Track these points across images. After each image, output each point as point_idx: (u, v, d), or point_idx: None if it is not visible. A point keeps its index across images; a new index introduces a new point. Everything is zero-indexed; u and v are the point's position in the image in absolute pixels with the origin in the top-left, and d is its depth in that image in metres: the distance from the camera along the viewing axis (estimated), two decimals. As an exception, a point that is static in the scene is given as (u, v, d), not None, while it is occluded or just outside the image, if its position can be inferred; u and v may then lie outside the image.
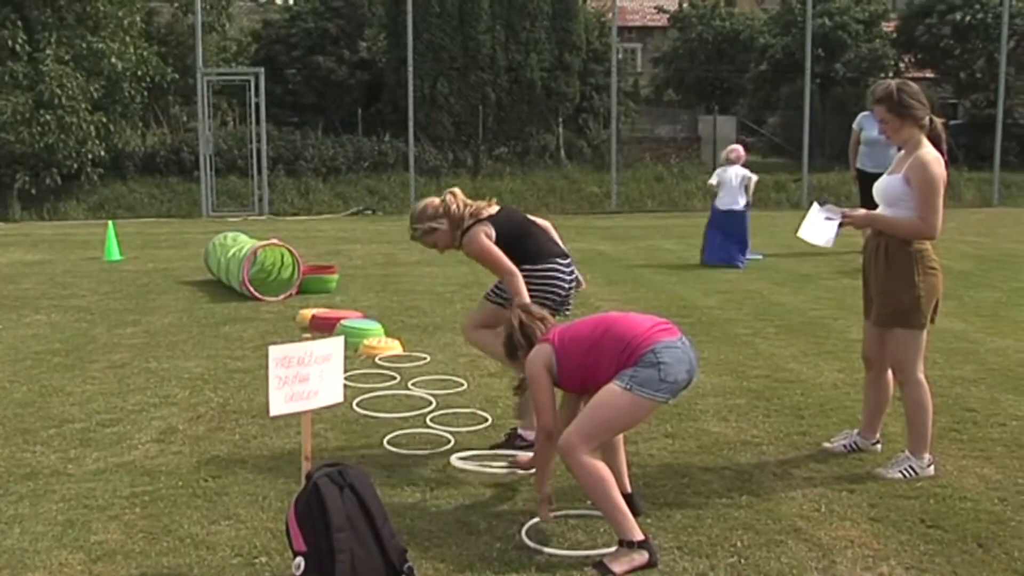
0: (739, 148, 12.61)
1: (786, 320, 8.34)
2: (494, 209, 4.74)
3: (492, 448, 4.86)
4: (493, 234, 4.62)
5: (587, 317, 3.89)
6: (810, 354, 7.02)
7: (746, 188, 12.07)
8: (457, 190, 4.79)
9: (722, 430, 5.22)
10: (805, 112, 21.86)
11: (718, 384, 6.16)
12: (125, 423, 5.44)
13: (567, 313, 4.83)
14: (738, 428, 5.27)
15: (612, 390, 3.49)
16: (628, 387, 3.46)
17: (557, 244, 4.87)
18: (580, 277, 4.95)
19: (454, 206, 4.66)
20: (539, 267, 4.68)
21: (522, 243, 4.69)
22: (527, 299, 4.42)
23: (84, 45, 19.84)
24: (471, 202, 4.72)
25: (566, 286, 4.77)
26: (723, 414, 5.51)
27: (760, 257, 12.53)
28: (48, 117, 19.29)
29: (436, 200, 4.75)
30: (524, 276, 4.57)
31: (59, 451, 4.95)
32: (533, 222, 4.90)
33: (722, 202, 12.01)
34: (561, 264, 4.76)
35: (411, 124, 21.31)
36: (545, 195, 22.00)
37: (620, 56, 24.27)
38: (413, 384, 6.25)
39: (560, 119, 23.92)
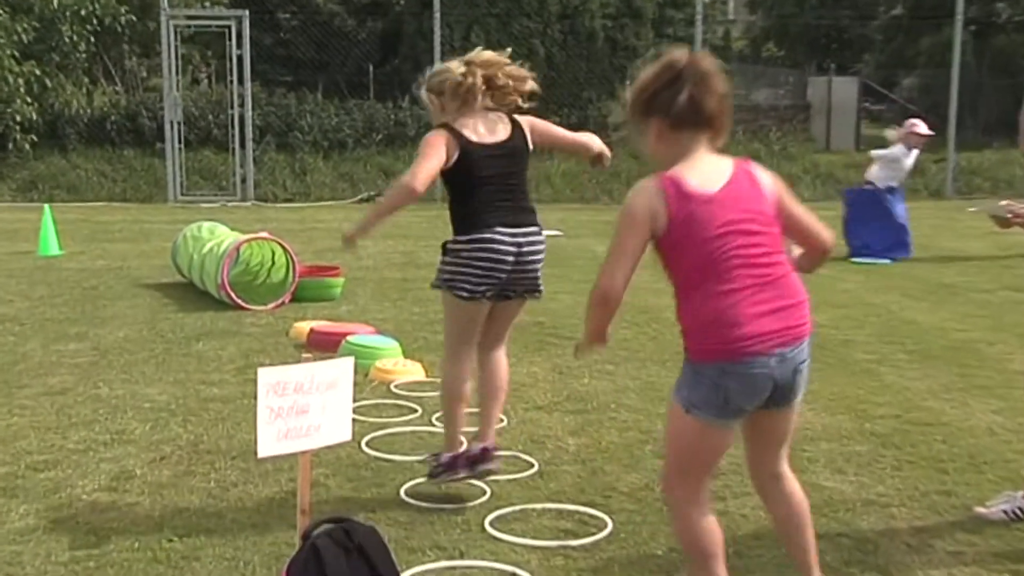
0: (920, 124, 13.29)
1: (922, 344, 8.30)
2: (486, 135, 5.03)
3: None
4: (442, 155, 4.93)
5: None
6: (955, 389, 6.97)
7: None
8: (475, 64, 5.09)
9: (837, 485, 5.20)
10: (953, 70, 21.63)
11: (832, 425, 6.14)
12: (65, 466, 5.48)
13: (534, 293, 5.16)
14: (859, 483, 5.24)
15: (674, 411, 3.52)
16: (686, 408, 3.46)
17: (509, 208, 5.03)
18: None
19: (449, 89, 5.06)
20: (473, 236, 4.96)
21: (468, 198, 5.01)
22: (364, 225, 5.11)
23: None
24: (477, 91, 5.04)
25: (509, 263, 4.97)
26: (839, 464, 5.49)
27: (887, 262, 12.45)
28: (-43, 65, 19.37)
29: (454, 71, 5.05)
30: (455, 244, 4.99)
31: (-24, 502, 5.00)
32: (498, 177, 5.04)
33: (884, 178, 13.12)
34: (502, 233, 4.96)
35: (437, 86, 21.38)
36: (607, 179, 21.96)
37: (707, -1, 24.25)
38: (438, 419, 6.25)
39: (628, 81, 23.91)
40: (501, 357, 5.30)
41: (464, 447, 5.23)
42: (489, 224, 4.95)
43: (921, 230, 15.35)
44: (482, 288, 4.96)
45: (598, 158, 5.56)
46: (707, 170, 3.40)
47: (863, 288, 10.71)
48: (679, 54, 3.48)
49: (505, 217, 4.99)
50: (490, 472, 5.12)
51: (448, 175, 5.00)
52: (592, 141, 5.55)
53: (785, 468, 3.65)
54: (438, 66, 5.22)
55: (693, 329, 3.45)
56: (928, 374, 7.38)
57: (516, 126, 5.15)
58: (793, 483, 3.66)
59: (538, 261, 5.10)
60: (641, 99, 3.51)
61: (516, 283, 5.07)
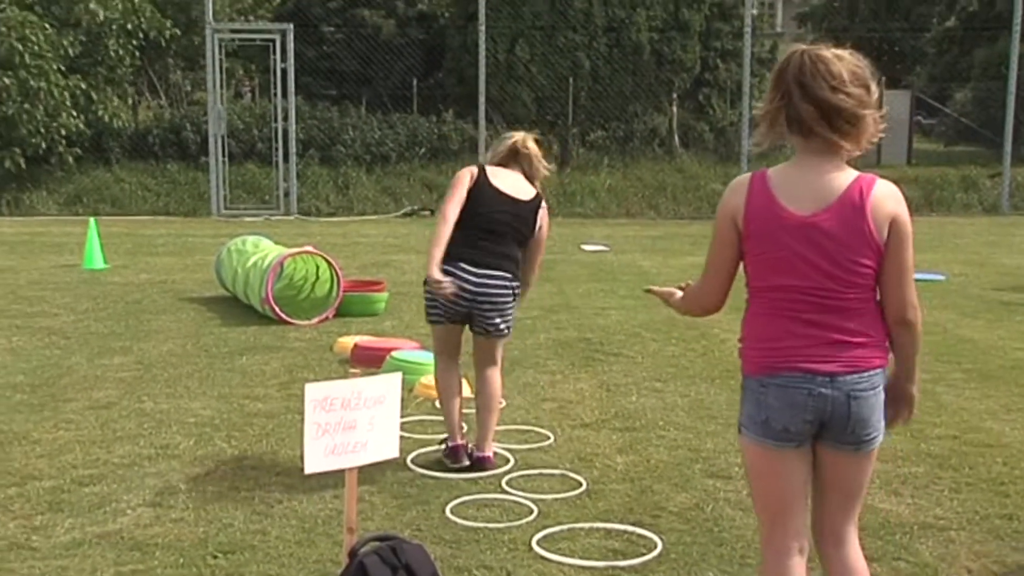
0: None
1: (979, 363, 8.21)
2: (506, 186, 5.73)
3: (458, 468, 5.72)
4: (474, 179, 5.71)
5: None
6: (1015, 409, 6.89)
7: None
8: (519, 138, 5.90)
9: (893, 508, 5.15)
10: (1010, 83, 21.43)
11: (887, 446, 6.04)
12: (109, 481, 5.51)
13: (487, 332, 5.74)
14: (915, 506, 5.18)
15: (739, 439, 3.44)
16: (739, 428, 3.40)
17: (483, 249, 5.65)
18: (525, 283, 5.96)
19: (498, 147, 5.92)
20: (444, 264, 5.59)
21: (457, 228, 5.63)
22: (431, 262, 5.57)
23: None
24: (507, 157, 5.85)
25: (465, 298, 5.61)
26: (894, 486, 5.43)
27: (942, 278, 12.33)
28: (7, 80, 19.64)
29: (505, 141, 5.92)
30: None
31: (20, 517, 5.02)
32: (494, 224, 5.69)
33: None
34: (465, 270, 5.60)
35: (482, 100, 21.45)
36: (653, 194, 21.99)
37: (755, 12, 24.16)
38: (484, 437, 6.27)
39: (674, 95, 23.89)
40: (492, 375, 5.87)
41: (464, 440, 5.86)
42: (457, 258, 5.61)
43: (976, 247, 15.25)
44: (441, 315, 5.75)
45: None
46: (811, 183, 3.21)
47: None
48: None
49: (475, 255, 5.63)
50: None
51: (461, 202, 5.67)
52: (533, 277, 6.08)
53: (852, 533, 3.40)
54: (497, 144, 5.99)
55: (745, 337, 3.38)
56: (986, 394, 7.30)
57: (538, 199, 5.85)
58: (858, 555, 3.41)
59: (497, 302, 5.67)
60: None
61: (475, 319, 5.73)
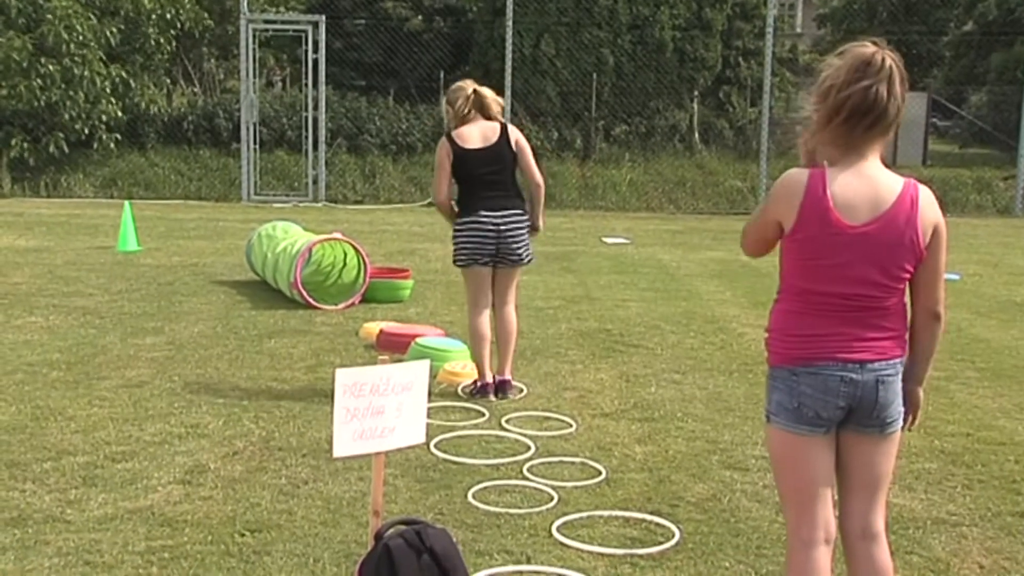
0: None
1: (992, 362, 8.16)
2: (476, 141, 6.69)
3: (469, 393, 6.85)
4: (450, 152, 6.71)
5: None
6: (1026, 408, 6.87)
7: None
8: (472, 90, 6.77)
9: (907, 503, 5.11)
10: (1026, 87, 21.28)
11: (900, 442, 6.02)
12: (141, 458, 5.54)
13: (517, 263, 6.79)
14: (928, 501, 5.16)
15: (766, 428, 3.41)
16: (767, 417, 3.36)
17: (491, 197, 6.70)
18: (531, 223, 6.87)
19: (456, 106, 6.77)
20: (464, 219, 6.73)
21: (463, 191, 6.76)
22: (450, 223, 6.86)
23: None
24: (470, 111, 6.73)
25: (492, 238, 6.67)
26: (908, 482, 5.40)
27: (957, 278, 12.26)
28: (51, 67, 19.75)
29: (464, 91, 6.77)
30: (456, 225, 6.78)
31: (55, 491, 5.04)
32: (492, 172, 6.72)
33: None
34: (486, 216, 6.66)
35: (507, 93, 21.36)
36: (672, 188, 21.92)
37: (776, 12, 24.06)
38: (507, 423, 6.28)
39: (696, 92, 23.81)
40: (510, 312, 6.94)
41: (490, 378, 6.82)
42: (475, 209, 6.68)
43: (990, 248, 15.16)
44: (475, 257, 6.72)
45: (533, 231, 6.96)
46: (867, 190, 3.17)
47: (931, 304, 10.53)
48: None
49: (488, 203, 6.68)
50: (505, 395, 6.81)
51: (452, 171, 6.73)
52: (540, 193, 6.97)
53: (881, 527, 3.39)
54: (450, 92, 6.88)
55: (776, 329, 3.34)
56: (1000, 392, 7.25)
57: (504, 133, 6.77)
58: (885, 552, 3.39)
59: (518, 235, 6.73)
60: None
61: (503, 254, 6.73)
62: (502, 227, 6.67)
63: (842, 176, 3.17)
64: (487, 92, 6.82)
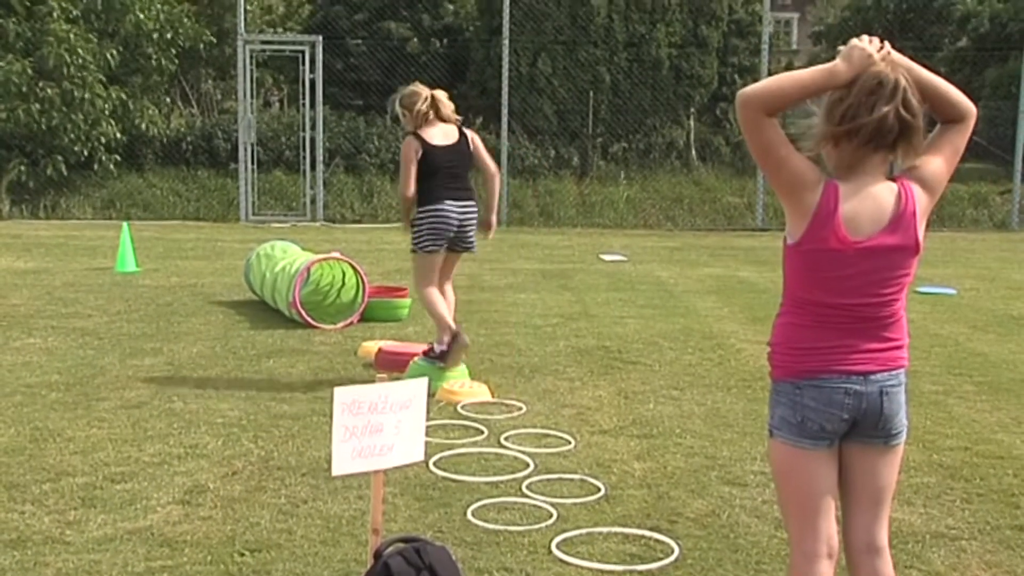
0: None
1: (990, 376, 8.16)
2: (440, 139, 7.39)
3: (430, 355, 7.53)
4: (419, 148, 7.35)
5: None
6: (1024, 422, 6.86)
7: None
8: (429, 94, 7.47)
9: (906, 517, 5.11)
10: (1021, 102, 21.27)
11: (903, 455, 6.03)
12: (140, 478, 5.53)
13: (468, 249, 7.60)
14: (927, 515, 5.16)
15: (769, 443, 3.41)
16: (771, 432, 3.35)
17: (454, 189, 7.38)
18: (486, 218, 7.66)
19: (414, 110, 7.42)
20: (428, 207, 7.35)
21: (427, 183, 7.36)
22: (406, 222, 7.58)
23: None
24: (429, 112, 7.42)
25: (454, 226, 7.39)
26: (907, 496, 5.39)
27: (953, 292, 12.27)
28: (51, 91, 19.74)
29: (421, 95, 7.44)
30: (417, 214, 7.39)
31: (55, 512, 5.04)
32: (456, 165, 7.44)
33: None
34: (450, 206, 7.35)
35: (504, 112, 21.46)
36: (670, 205, 21.94)
37: (771, 30, 24.13)
38: (506, 440, 6.28)
39: (692, 109, 23.86)
40: (450, 289, 7.76)
41: (455, 326, 7.47)
42: (440, 199, 7.33)
43: (987, 262, 15.19)
44: (438, 243, 7.39)
45: (487, 227, 7.74)
46: (871, 204, 3.16)
47: (929, 319, 10.55)
48: None
49: (451, 194, 7.36)
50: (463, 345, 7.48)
51: (417, 166, 7.33)
52: (496, 182, 7.77)
53: (885, 541, 3.37)
54: (404, 96, 7.52)
55: (779, 343, 3.33)
56: (997, 406, 7.25)
57: (463, 135, 7.53)
58: (890, 566, 3.36)
59: (473, 225, 7.52)
60: None
61: (459, 240, 7.48)
62: (462, 217, 7.41)
63: (852, 193, 3.17)
64: (442, 96, 7.53)
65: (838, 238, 3.14)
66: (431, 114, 7.44)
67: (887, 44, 3.21)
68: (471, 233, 7.54)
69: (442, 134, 7.45)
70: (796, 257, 3.24)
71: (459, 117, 7.65)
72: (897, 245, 3.17)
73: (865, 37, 3.26)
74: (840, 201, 3.15)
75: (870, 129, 3.11)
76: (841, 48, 3.25)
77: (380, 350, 8.22)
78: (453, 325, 7.46)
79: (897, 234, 3.17)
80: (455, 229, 7.40)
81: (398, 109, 7.54)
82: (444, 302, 7.53)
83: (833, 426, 3.23)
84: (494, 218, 7.79)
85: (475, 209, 7.53)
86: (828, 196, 3.16)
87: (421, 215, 7.38)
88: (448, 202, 7.35)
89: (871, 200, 3.17)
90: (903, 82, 3.16)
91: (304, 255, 10.56)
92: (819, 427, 3.23)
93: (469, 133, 7.63)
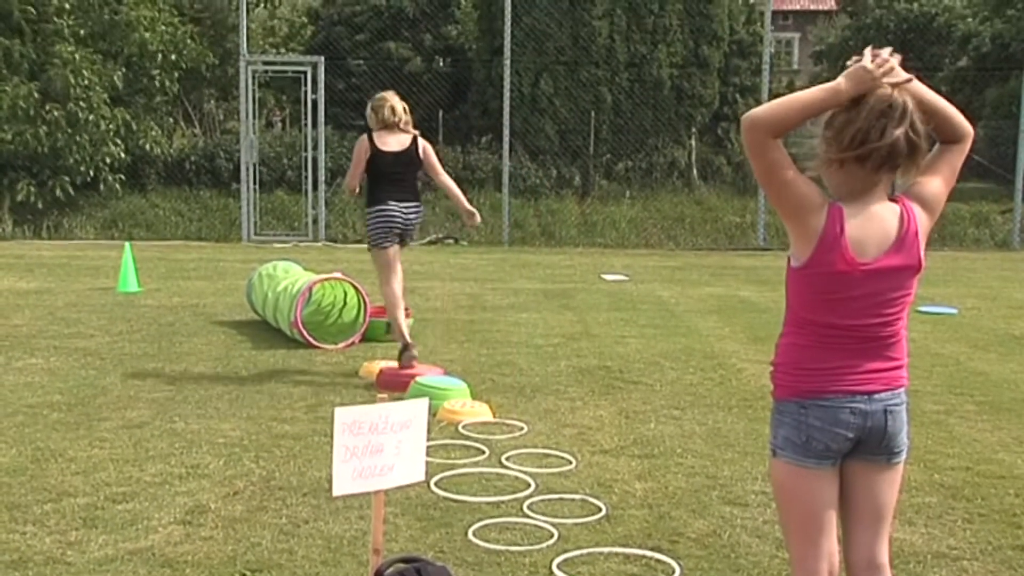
0: None
1: (992, 395, 8.16)
2: (392, 145, 8.23)
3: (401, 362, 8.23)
4: (369, 150, 8.18)
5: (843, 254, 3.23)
6: (1026, 441, 6.86)
7: None
8: (392, 103, 8.27)
9: (907, 537, 5.11)
10: (1022, 121, 21.25)
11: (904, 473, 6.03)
12: (142, 499, 5.53)
13: (408, 242, 8.51)
14: (928, 535, 5.15)
15: (771, 463, 3.41)
16: (774, 452, 3.36)
17: (396, 192, 8.22)
18: (464, 210, 8.57)
19: (379, 114, 8.26)
20: (376, 207, 8.24)
21: (374, 184, 8.26)
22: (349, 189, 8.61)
23: (106, 15, 20.28)
24: (389, 119, 8.22)
25: (400, 223, 8.29)
26: (908, 516, 5.39)
27: (954, 312, 12.27)
28: (56, 113, 19.81)
29: (388, 101, 8.27)
30: (368, 214, 8.32)
31: (56, 532, 5.04)
32: (404, 173, 8.31)
33: None
34: (394, 205, 8.22)
35: (506, 131, 21.48)
36: (671, 225, 21.94)
37: (772, 50, 24.20)
38: (507, 460, 6.27)
39: (694, 129, 23.90)
40: (400, 269, 8.51)
41: (409, 339, 8.32)
42: (384, 200, 8.20)
43: (988, 281, 15.18)
44: (390, 239, 8.29)
45: (470, 216, 8.58)
46: (875, 226, 3.19)
47: (930, 339, 10.55)
48: None
49: (395, 196, 8.20)
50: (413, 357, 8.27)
51: (366, 167, 8.19)
52: (460, 198, 8.58)
53: (885, 559, 3.38)
54: (374, 100, 8.36)
55: (783, 363, 3.33)
56: (998, 426, 7.24)
57: (415, 143, 8.28)
58: None
59: (416, 222, 8.44)
60: None
61: (405, 235, 8.39)
62: (407, 215, 8.28)
63: (856, 215, 3.18)
64: (400, 106, 8.26)
65: (846, 261, 3.15)
66: (392, 120, 8.21)
67: (897, 56, 3.21)
68: (414, 230, 8.58)
69: (396, 141, 8.23)
70: (801, 279, 3.25)
71: (415, 132, 8.37)
72: (901, 265, 3.20)
73: (876, 49, 3.27)
74: (846, 224, 3.16)
75: (883, 153, 3.13)
76: (849, 64, 3.26)
77: (382, 370, 8.23)
78: (407, 337, 8.28)
79: (901, 254, 3.19)
80: (400, 226, 8.30)
81: (368, 112, 8.35)
82: (401, 304, 8.42)
83: (838, 445, 3.25)
84: (470, 206, 8.58)
85: (418, 209, 8.36)
86: (833, 219, 3.17)
87: (371, 214, 8.28)
88: (391, 203, 8.21)
89: (876, 222, 3.19)
90: (911, 104, 3.17)
91: (306, 275, 10.57)
92: (824, 446, 3.24)
93: (422, 143, 8.36)
